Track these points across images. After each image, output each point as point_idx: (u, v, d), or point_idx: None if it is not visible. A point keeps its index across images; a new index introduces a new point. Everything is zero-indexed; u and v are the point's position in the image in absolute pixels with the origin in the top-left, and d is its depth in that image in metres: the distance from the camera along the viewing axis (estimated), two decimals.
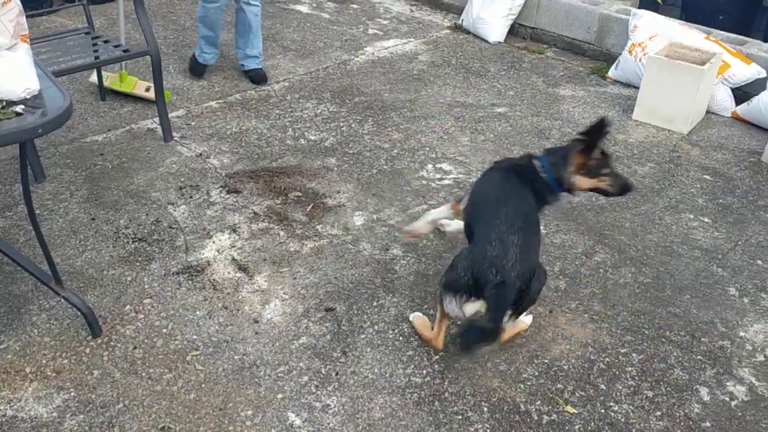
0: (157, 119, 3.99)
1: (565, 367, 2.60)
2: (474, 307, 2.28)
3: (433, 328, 2.58)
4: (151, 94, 4.15)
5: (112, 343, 2.58)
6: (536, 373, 2.56)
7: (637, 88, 4.58)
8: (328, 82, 4.84)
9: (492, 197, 2.53)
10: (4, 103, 2.07)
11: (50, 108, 2.11)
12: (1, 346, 2.52)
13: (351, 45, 5.52)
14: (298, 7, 6.32)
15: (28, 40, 2.26)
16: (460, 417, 2.36)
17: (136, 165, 3.70)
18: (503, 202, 2.46)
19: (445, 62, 5.28)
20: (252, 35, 4.62)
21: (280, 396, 2.40)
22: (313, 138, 4.09)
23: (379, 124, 4.29)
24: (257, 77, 4.73)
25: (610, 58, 5.29)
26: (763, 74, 4.49)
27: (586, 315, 2.86)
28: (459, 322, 2.44)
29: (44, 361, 2.48)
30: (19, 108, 2.07)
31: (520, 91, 4.87)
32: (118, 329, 2.64)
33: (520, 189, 2.51)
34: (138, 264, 2.99)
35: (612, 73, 5.08)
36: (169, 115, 4.04)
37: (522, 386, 2.50)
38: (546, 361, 2.62)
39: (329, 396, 2.41)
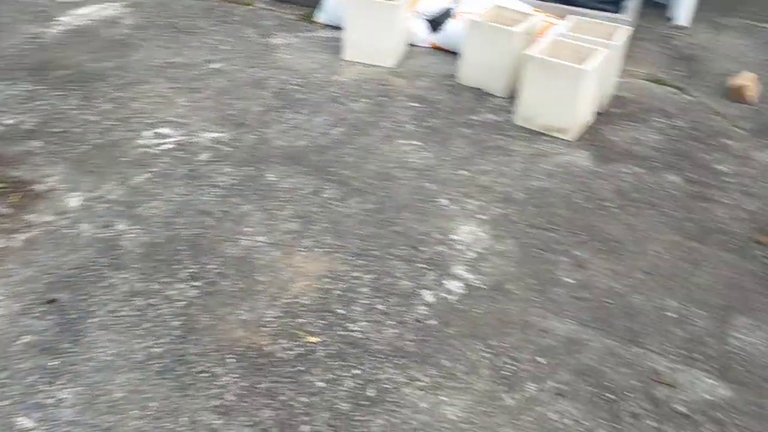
0: None
1: (306, 302, 2.71)
2: None
3: None
4: None
5: None
6: (278, 314, 2.64)
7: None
8: (21, 60, 4.35)
9: None
10: None
11: None
12: None
13: (41, 16, 5.00)
14: None
15: None
16: (206, 374, 2.36)
17: None
18: None
19: (150, 23, 5.03)
20: None
21: (5, 403, 2.20)
22: (9, 122, 3.67)
23: (86, 96, 3.99)
24: None
25: (317, 3, 5.42)
26: (451, 4, 4.93)
27: (320, 250, 2.99)
28: None
29: None
30: None
31: (235, 45, 4.82)
32: None
33: None
34: None
35: (319, 17, 5.24)
36: None
37: (265, 329, 2.57)
38: (286, 300, 2.71)
39: (62, 389, 2.25)
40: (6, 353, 2.37)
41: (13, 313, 2.52)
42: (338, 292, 2.78)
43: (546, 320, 2.72)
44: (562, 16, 4.72)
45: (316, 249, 3.00)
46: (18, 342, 2.41)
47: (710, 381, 2.49)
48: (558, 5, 5.05)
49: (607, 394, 2.42)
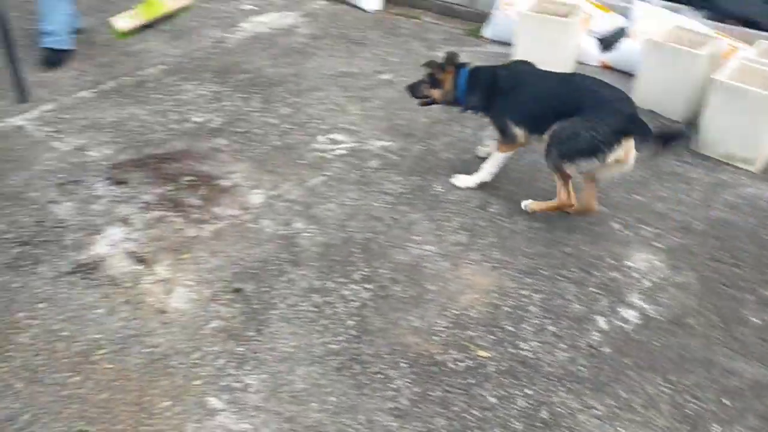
0: (26, 115, 3.74)
1: (474, 315, 2.70)
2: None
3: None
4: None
5: (9, 354, 2.42)
6: (448, 325, 2.65)
7: (512, 44, 4.75)
8: (207, 62, 4.69)
9: None
10: None
11: None
12: None
13: (226, 22, 5.36)
14: None
15: None
16: (381, 376, 2.41)
17: (9, 166, 3.45)
18: None
19: (325, 33, 5.25)
20: (44, 7, 4.32)
21: (197, 382, 2.35)
22: (198, 120, 3.96)
23: (266, 99, 4.22)
24: (47, 59, 4.37)
25: (485, 19, 5.44)
26: (624, 23, 4.77)
27: (487, 264, 2.98)
28: None
29: None
30: None
31: (403, 57, 4.93)
32: (13, 338, 2.48)
33: None
34: (25, 268, 2.81)
35: (486, 32, 5.24)
36: (40, 109, 3.81)
37: (436, 338, 2.58)
38: (455, 311, 2.71)
39: (248, 375, 2.39)
40: (198, 335, 2.54)
41: (205, 299, 2.70)
42: (507, 308, 2.75)
43: (732, 361, 2.54)
44: (745, 40, 4.44)
45: (483, 263, 2.99)
46: (208, 326, 2.58)
47: None
48: (741, 28, 4.75)
49: None
